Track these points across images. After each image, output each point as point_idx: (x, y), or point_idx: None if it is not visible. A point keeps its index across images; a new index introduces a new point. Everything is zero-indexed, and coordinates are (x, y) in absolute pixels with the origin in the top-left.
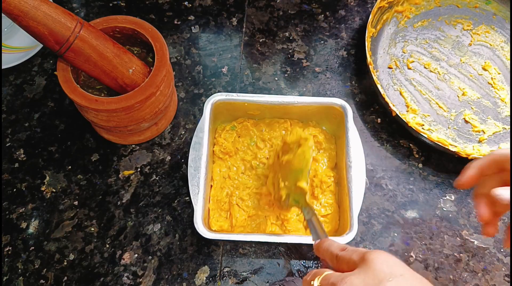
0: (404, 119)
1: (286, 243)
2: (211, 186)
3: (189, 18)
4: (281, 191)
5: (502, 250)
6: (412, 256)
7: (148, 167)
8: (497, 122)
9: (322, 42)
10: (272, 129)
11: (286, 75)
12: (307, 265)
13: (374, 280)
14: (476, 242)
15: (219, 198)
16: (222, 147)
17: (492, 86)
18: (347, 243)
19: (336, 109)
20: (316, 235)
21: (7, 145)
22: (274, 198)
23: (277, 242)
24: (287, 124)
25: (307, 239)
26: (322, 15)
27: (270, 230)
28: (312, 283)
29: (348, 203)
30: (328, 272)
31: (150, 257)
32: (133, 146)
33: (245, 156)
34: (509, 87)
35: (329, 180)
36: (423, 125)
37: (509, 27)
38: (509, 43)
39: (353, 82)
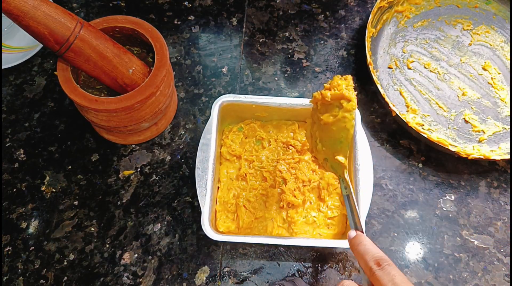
0: (404, 119)
1: (287, 244)
2: (218, 187)
3: (189, 18)
4: (318, 153)
5: (502, 250)
6: (412, 256)
7: (148, 167)
8: (497, 122)
9: (322, 42)
10: (280, 130)
11: (286, 75)
12: (307, 265)
13: None
14: (476, 242)
15: (226, 200)
16: (230, 149)
17: (492, 86)
18: None
19: None
20: (351, 218)
21: (7, 145)
22: (310, 149)
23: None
24: (295, 126)
25: (314, 242)
26: (322, 15)
27: (276, 233)
28: None
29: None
30: None
31: (150, 257)
32: (133, 146)
33: (252, 157)
34: (509, 87)
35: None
36: (423, 125)
37: (509, 27)
38: (509, 43)
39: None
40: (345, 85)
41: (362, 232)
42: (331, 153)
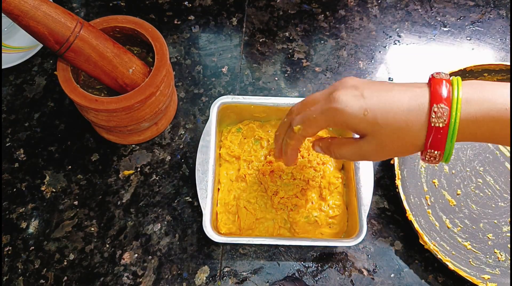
0: None
1: (288, 244)
2: (218, 189)
3: (189, 18)
4: None
5: None
6: (412, 256)
7: (148, 167)
8: None
9: (322, 42)
10: None
11: (286, 75)
12: (307, 265)
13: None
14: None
15: (226, 201)
16: (229, 150)
17: None
18: (356, 245)
19: None
20: None
21: (7, 145)
22: None
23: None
24: None
25: (317, 242)
26: (322, 15)
27: (278, 233)
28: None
29: (356, 205)
30: None
31: (150, 257)
32: (133, 146)
33: (251, 157)
34: None
35: (337, 181)
36: None
37: None
38: None
39: None
40: None
41: None
42: None
